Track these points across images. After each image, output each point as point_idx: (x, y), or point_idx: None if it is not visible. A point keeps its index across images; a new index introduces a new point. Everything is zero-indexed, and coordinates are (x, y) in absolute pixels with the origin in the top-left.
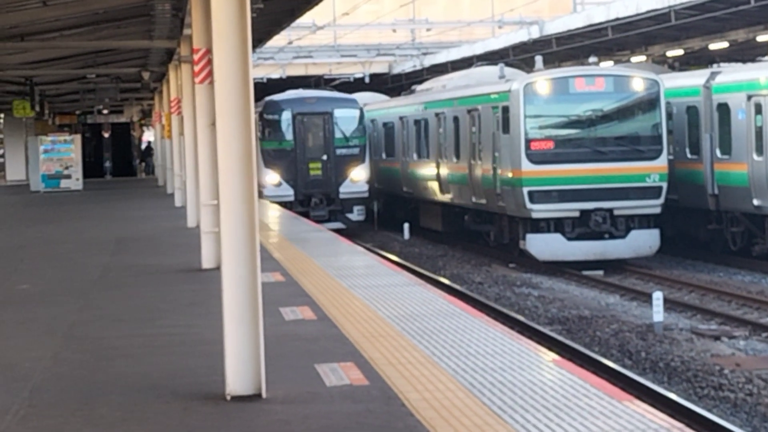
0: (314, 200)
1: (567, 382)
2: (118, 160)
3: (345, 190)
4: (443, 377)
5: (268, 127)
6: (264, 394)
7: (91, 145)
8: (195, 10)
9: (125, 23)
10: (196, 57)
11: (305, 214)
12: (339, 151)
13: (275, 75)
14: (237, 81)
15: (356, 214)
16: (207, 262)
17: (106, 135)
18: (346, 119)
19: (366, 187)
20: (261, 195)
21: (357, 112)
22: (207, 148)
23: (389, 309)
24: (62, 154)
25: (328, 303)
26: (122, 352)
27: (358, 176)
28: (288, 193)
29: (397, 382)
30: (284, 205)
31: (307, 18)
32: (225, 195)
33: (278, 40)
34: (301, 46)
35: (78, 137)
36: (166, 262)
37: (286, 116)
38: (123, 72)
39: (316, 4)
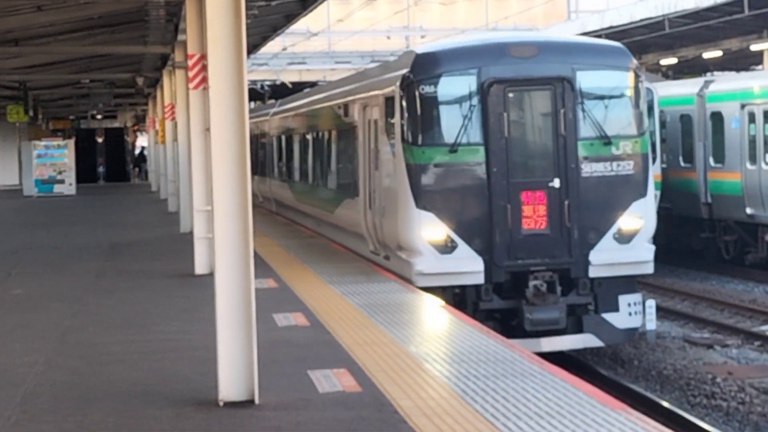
0: (532, 285)
1: (559, 390)
2: (112, 166)
3: (602, 258)
4: (436, 384)
5: (421, 114)
6: (257, 401)
7: (85, 150)
8: (190, 16)
9: (120, 29)
10: (190, 63)
11: (509, 318)
12: (589, 169)
13: (268, 81)
14: (231, 87)
15: (628, 315)
16: (200, 268)
17: (100, 140)
18: (605, 94)
19: (651, 252)
20: (403, 269)
21: (627, 78)
22: (201, 154)
23: (382, 316)
24: (55, 159)
25: (322, 309)
26: (115, 357)
27: (634, 224)
28: (470, 267)
29: (389, 388)
30: (458, 298)
31: (301, 24)
32: (219, 201)
33: (272, 46)
34: (295, 52)
35: (71, 142)
36: (159, 267)
37: (466, 87)
38: (117, 77)
39: (311, 10)
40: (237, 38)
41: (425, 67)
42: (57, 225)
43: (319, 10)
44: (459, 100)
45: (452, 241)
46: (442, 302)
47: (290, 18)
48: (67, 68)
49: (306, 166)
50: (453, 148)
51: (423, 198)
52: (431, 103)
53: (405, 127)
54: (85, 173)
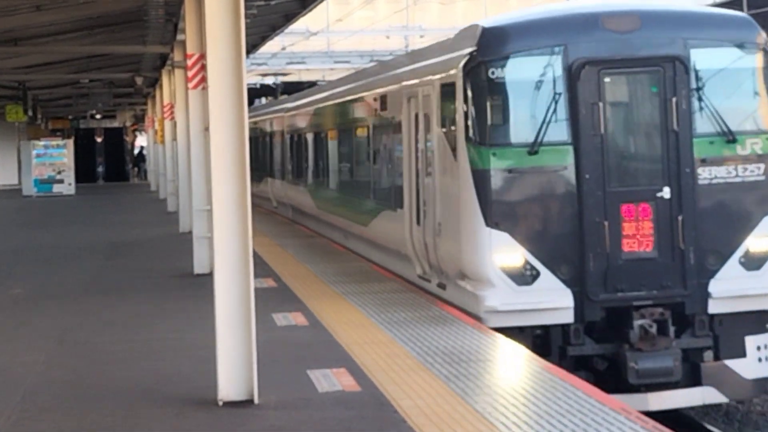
0: (637, 324)
1: (559, 389)
2: (111, 165)
3: (725, 289)
4: (435, 384)
5: (491, 105)
6: (256, 400)
7: (84, 150)
8: (189, 15)
9: (119, 28)
10: (189, 62)
11: (607, 366)
12: (708, 175)
13: (268, 81)
14: (231, 86)
15: (757, 361)
16: (199, 268)
17: (99, 140)
18: (728, 77)
19: None
20: (468, 303)
21: (756, 57)
22: (200, 154)
23: (381, 315)
24: (55, 159)
25: (321, 309)
26: (115, 357)
27: (766, 245)
28: (555, 301)
29: (389, 388)
30: (540, 342)
31: (300, 24)
32: (218, 200)
33: (272, 46)
34: (294, 51)
35: (71, 142)
36: (158, 267)
37: (549, 70)
38: (116, 77)
39: (310, 9)
40: (236, 38)
41: (496, 44)
42: (56, 225)
43: (318, 10)
44: (540, 87)
45: (532, 268)
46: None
47: (289, 18)
48: (67, 68)
49: (330, 169)
50: (533, 148)
51: (495, 213)
52: (504, 91)
53: (470, 123)
54: (84, 173)
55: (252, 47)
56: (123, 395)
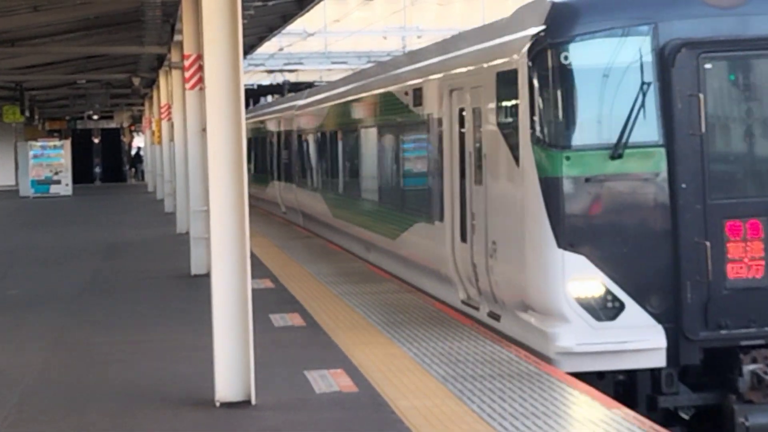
0: (748, 370)
1: (556, 390)
2: (108, 166)
3: None
4: (433, 384)
5: (564, 98)
6: (253, 401)
7: (81, 151)
8: (186, 16)
9: (116, 29)
10: (186, 63)
11: (710, 420)
12: None
13: (266, 81)
14: (228, 87)
15: None
16: (197, 269)
17: (96, 141)
18: None
19: None
20: (533, 340)
21: None
22: (197, 154)
23: (378, 316)
24: (52, 160)
25: (318, 309)
26: (112, 357)
27: None
28: (643, 341)
29: (386, 389)
30: (624, 389)
31: (297, 25)
32: (215, 201)
33: (269, 47)
34: (291, 52)
35: (68, 143)
36: (155, 268)
37: (636, 53)
38: (113, 78)
39: (308, 10)
40: (233, 38)
41: (569, 22)
42: (53, 225)
43: (316, 11)
44: (624, 75)
45: (615, 299)
46: (431, 299)
47: (287, 18)
48: (64, 69)
49: (349, 172)
50: (616, 151)
51: (568, 231)
52: (579, 80)
53: (537, 120)
54: (81, 174)
55: (249, 48)
56: (120, 396)
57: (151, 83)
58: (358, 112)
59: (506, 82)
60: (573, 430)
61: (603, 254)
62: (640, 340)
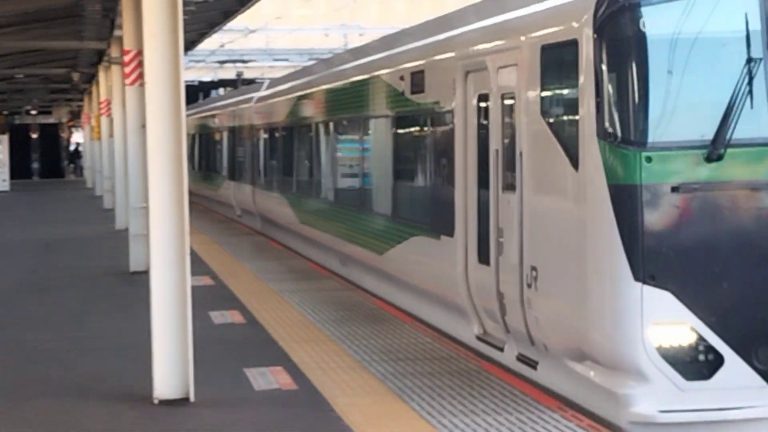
0: None
1: (495, 388)
2: (47, 162)
3: None
4: (373, 382)
5: (641, 80)
6: (192, 398)
7: (19, 146)
8: (126, 11)
9: (55, 23)
10: (126, 58)
11: None
12: None
13: (207, 78)
14: (168, 83)
15: None
16: (135, 266)
17: (35, 136)
18: None
19: None
20: (592, 399)
21: None
22: (137, 151)
23: (319, 313)
24: None
25: (259, 307)
26: (49, 355)
27: None
28: (751, 404)
29: (326, 386)
30: None
31: (239, 21)
32: (155, 198)
33: (210, 43)
34: (233, 49)
35: (5, 138)
36: (94, 264)
37: (739, 20)
38: (52, 73)
39: (249, 7)
40: (174, 34)
41: None
42: None
43: (257, 7)
44: (724, 49)
45: (710, 350)
46: (370, 296)
47: (228, 15)
48: (2, 63)
49: (322, 172)
50: (714, 151)
51: (650, 259)
52: (666, 56)
53: (607, 107)
54: (19, 169)
55: (190, 44)
56: (57, 394)
57: (91, 78)
58: (335, 102)
59: (557, 58)
60: (512, 427)
61: (695, 290)
62: (745, 406)
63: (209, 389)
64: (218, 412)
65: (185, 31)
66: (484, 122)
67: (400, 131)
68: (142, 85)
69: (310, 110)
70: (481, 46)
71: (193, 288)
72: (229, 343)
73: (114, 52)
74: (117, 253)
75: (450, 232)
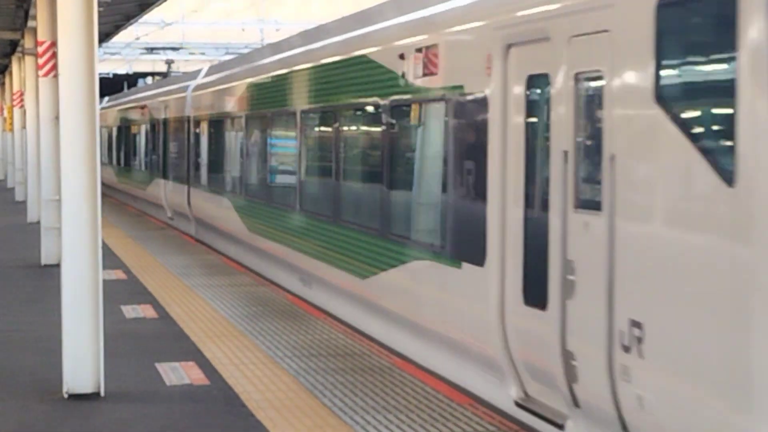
0: None
1: (408, 385)
2: None
3: None
4: (285, 378)
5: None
6: (103, 393)
7: None
8: (40, 1)
9: None
10: (40, 50)
11: None
12: None
13: (121, 70)
14: (82, 75)
15: None
16: (47, 259)
17: None
18: None
19: None
20: None
21: None
22: (50, 143)
23: (232, 309)
24: None
25: (171, 301)
26: None
27: None
28: None
29: (238, 382)
30: None
31: (155, 14)
32: (67, 191)
33: (126, 36)
34: (148, 42)
35: None
36: (4, 257)
37: None
38: None
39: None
40: (88, 26)
41: None
42: None
43: (174, 1)
44: None
45: None
46: (284, 293)
47: (144, 7)
48: None
49: (279, 172)
50: None
51: None
52: None
53: None
54: None
55: (105, 36)
56: None
57: (4, 69)
58: (301, 88)
59: (688, 16)
60: (425, 425)
61: None
62: None
63: (120, 384)
64: (129, 406)
65: (100, 23)
66: (539, 114)
67: (396, 125)
68: (56, 76)
69: (266, 98)
70: (538, 9)
71: (106, 282)
72: (140, 337)
73: (28, 42)
74: (28, 246)
75: (478, 260)
